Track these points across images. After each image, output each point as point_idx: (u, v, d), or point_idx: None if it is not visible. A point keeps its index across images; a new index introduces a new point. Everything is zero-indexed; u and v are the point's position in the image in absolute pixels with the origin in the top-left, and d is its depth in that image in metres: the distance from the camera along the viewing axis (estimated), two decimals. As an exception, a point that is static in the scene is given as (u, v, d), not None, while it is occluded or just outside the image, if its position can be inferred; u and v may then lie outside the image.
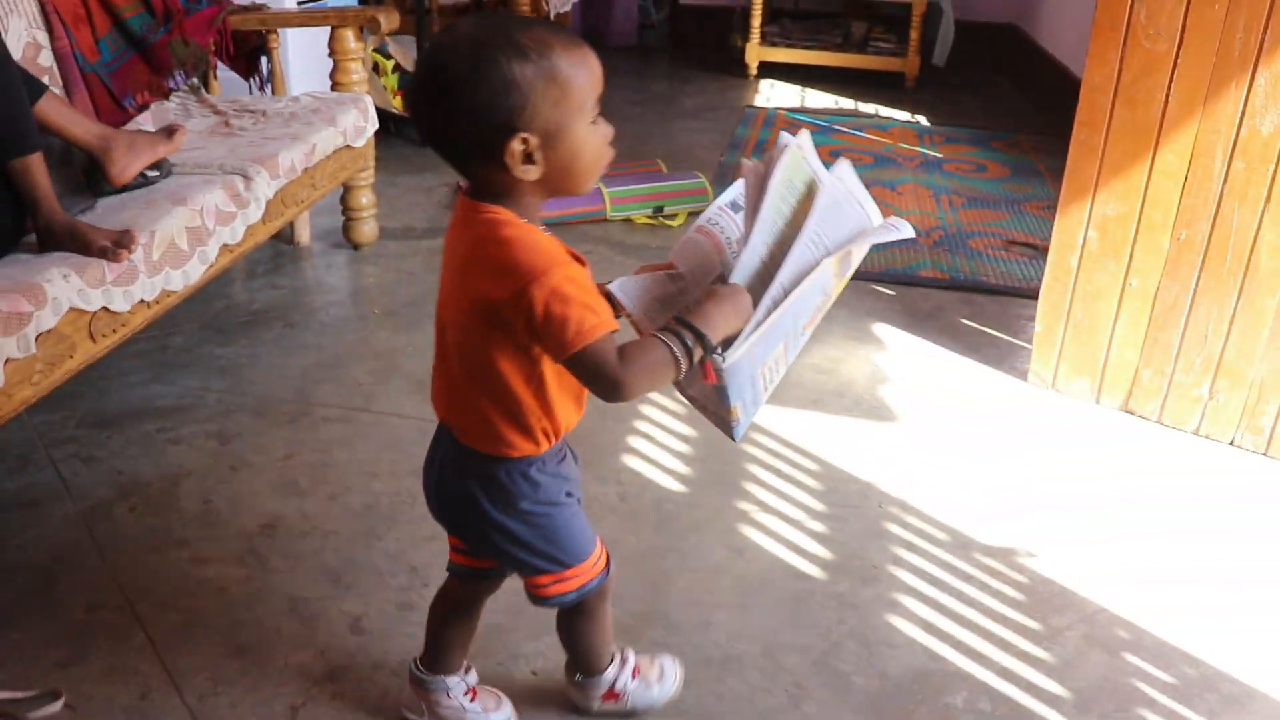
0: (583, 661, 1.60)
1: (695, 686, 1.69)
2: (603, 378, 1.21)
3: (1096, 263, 2.51)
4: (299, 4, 4.01)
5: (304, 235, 3.41)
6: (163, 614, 1.82)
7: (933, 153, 4.47)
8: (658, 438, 2.36)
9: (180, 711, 1.63)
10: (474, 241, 1.24)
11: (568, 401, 1.34)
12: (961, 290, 3.18)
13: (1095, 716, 1.68)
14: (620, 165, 3.94)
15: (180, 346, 2.71)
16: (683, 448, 2.33)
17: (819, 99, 5.33)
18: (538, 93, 1.16)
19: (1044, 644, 1.82)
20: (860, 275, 3.22)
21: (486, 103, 1.15)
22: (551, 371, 1.28)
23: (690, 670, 1.71)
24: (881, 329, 2.92)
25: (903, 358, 2.77)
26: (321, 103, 3.09)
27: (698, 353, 1.25)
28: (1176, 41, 2.30)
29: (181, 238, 2.25)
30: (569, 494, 1.41)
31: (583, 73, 1.19)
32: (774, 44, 5.65)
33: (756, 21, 5.60)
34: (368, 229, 3.37)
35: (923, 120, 5.00)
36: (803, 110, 5.09)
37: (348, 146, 3.07)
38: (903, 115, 5.08)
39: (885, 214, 1.42)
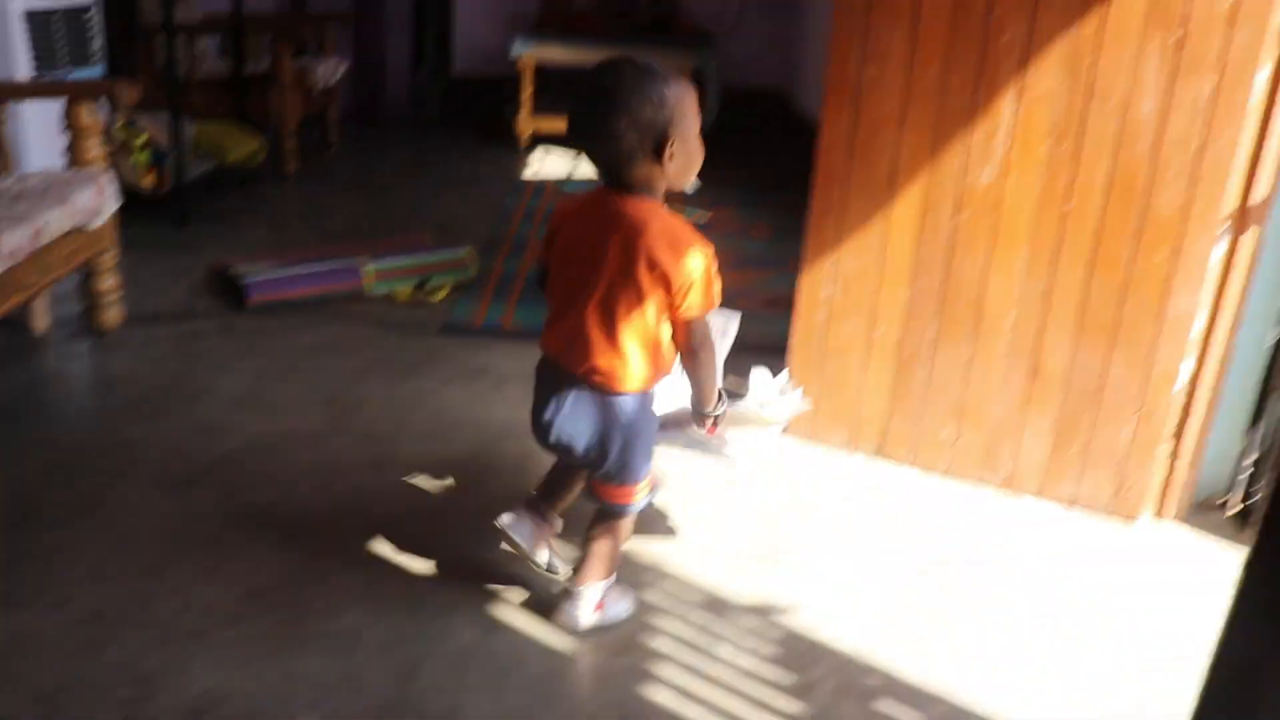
0: (596, 567, 1.93)
1: (442, 779, 1.61)
2: (706, 336, 1.79)
3: (842, 317, 2.58)
4: (34, 74, 3.80)
5: (41, 322, 3.19)
6: None
7: (700, 217, 4.56)
8: (407, 522, 2.27)
9: None
10: (643, 221, 1.71)
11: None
12: (726, 348, 3.22)
13: (848, 767, 1.69)
14: (386, 239, 3.87)
15: (-111, 452, 2.47)
16: (432, 527, 2.26)
17: (590, 167, 5.38)
18: (679, 106, 1.69)
19: (799, 698, 1.82)
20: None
21: (653, 116, 1.67)
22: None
23: (437, 762, 1.63)
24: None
25: (667, 418, 2.77)
26: (53, 181, 2.90)
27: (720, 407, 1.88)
28: (902, 100, 2.41)
29: (-126, 334, 2.06)
30: None
31: (691, 94, 1.73)
32: (545, 114, 5.70)
33: (527, 92, 5.65)
34: (112, 314, 3.17)
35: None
36: (572, 180, 5.13)
37: (83, 228, 2.90)
38: (673, 180, 5.17)
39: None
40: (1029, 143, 2.33)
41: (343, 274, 3.47)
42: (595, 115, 1.69)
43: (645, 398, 1.84)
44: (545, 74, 5.79)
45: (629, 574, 2.11)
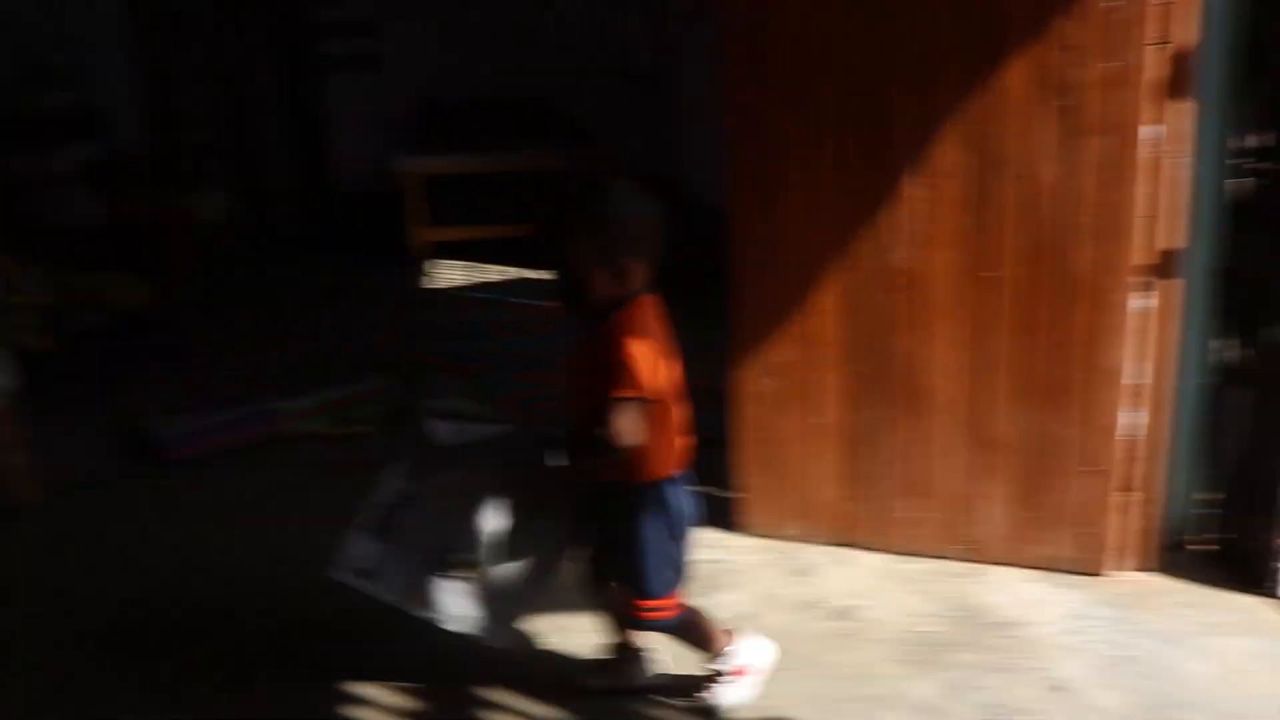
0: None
1: None
2: None
3: (777, 408, 2.58)
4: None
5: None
6: None
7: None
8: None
9: None
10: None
11: None
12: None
13: None
14: (299, 374, 3.75)
15: None
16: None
17: (493, 272, 5.35)
18: None
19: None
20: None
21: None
22: None
23: None
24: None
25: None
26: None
27: None
28: (805, 188, 2.43)
29: None
30: None
31: None
32: (438, 224, 5.65)
33: (419, 202, 5.58)
34: (24, 489, 3.01)
35: (597, 281, 5.09)
36: (476, 287, 5.08)
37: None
38: (577, 278, 5.15)
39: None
40: (938, 217, 2.37)
41: (261, 417, 3.37)
42: None
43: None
44: (434, 183, 5.74)
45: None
